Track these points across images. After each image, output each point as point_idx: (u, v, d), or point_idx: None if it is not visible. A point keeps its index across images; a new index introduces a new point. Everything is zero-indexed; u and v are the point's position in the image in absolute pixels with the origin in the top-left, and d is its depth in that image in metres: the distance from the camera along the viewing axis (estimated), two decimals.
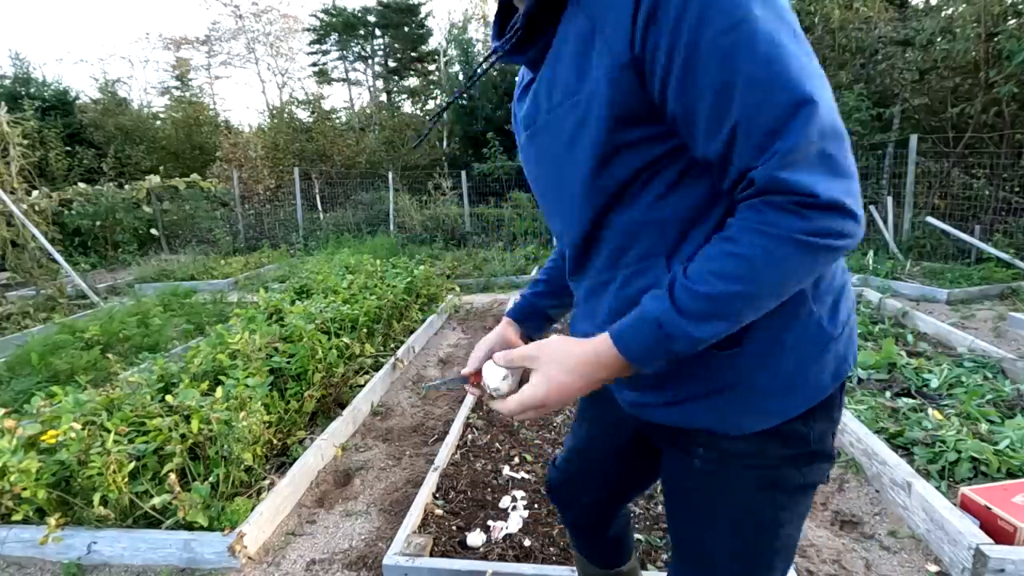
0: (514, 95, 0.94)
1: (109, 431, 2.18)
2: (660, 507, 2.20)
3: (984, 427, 2.44)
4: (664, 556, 1.93)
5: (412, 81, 21.58)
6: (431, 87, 20.27)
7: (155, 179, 10.80)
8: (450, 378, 0.94)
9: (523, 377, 0.83)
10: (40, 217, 6.86)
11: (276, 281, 6.96)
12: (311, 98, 15.88)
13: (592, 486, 1.15)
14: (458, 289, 6.21)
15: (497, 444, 2.77)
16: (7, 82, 15.72)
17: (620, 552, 1.30)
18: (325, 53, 21.83)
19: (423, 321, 4.84)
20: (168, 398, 2.42)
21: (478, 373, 0.90)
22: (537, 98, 0.79)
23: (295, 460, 2.54)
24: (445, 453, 2.60)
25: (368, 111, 19.65)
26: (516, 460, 2.62)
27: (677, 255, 0.73)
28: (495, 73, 13.71)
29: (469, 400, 3.12)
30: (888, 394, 2.96)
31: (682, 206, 0.72)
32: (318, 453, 2.65)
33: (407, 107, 20.98)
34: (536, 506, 2.24)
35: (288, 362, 3.03)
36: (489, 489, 2.38)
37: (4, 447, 2.08)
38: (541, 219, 9.25)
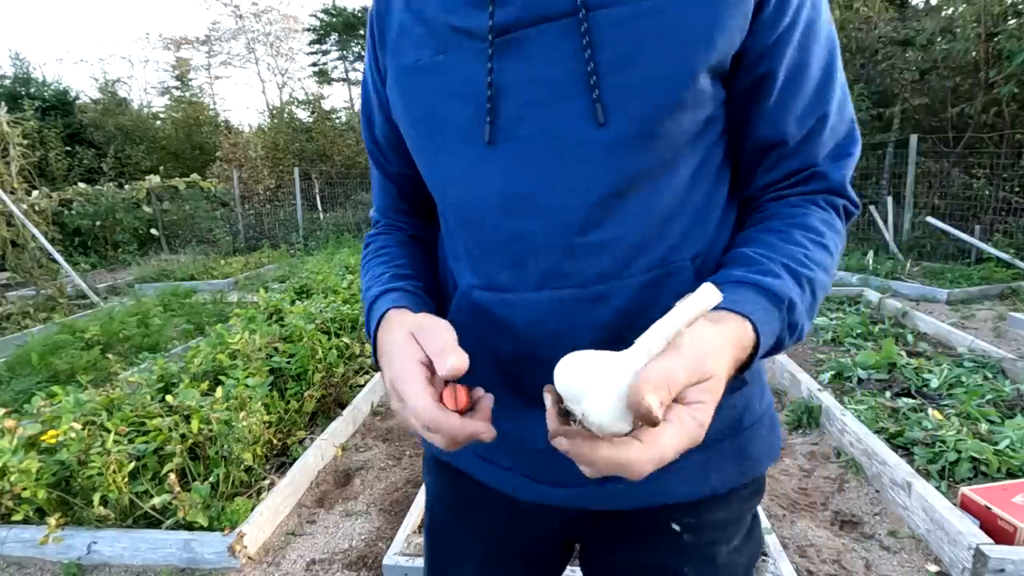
0: None
1: (109, 431, 2.18)
2: None
3: (984, 427, 2.44)
4: None
5: None
6: None
7: (155, 179, 10.79)
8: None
9: None
10: (40, 217, 6.86)
11: (276, 281, 6.96)
12: (311, 98, 15.89)
13: None
14: None
15: None
16: (7, 82, 15.71)
17: None
18: (325, 53, 21.84)
19: None
20: (168, 398, 2.42)
21: (453, 388, 0.50)
22: None
23: (295, 460, 2.54)
24: None
25: None
26: None
27: (700, 258, 0.59)
28: None
29: None
30: (888, 394, 2.96)
31: (717, 196, 0.61)
32: (318, 453, 2.65)
33: None
34: None
35: (288, 362, 3.03)
36: None
37: (4, 447, 2.08)
38: None
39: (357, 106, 21.68)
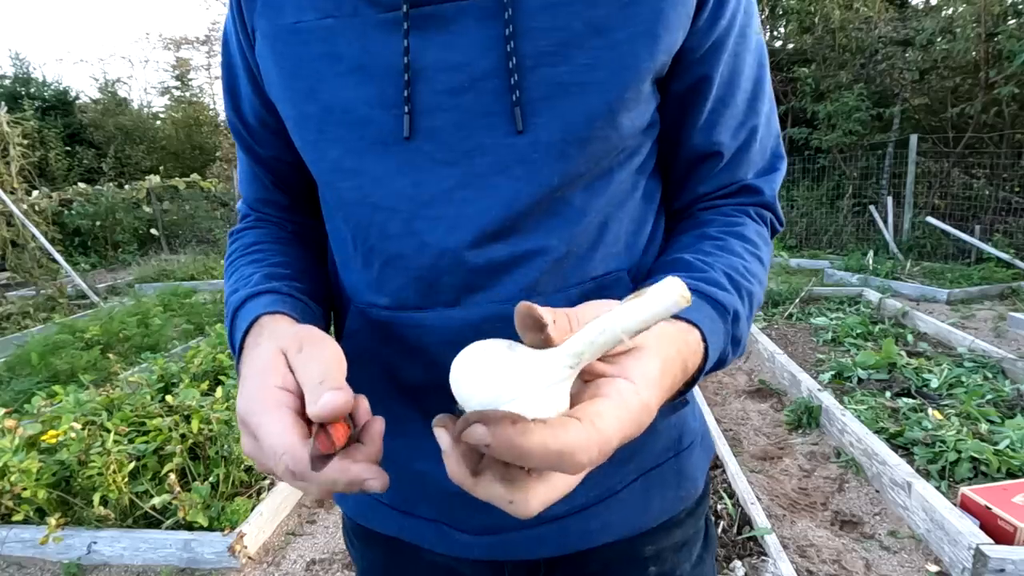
0: None
1: (109, 431, 2.18)
2: None
3: (984, 427, 2.44)
4: None
5: None
6: None
7: (155, 179, 10.79)
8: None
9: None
10: (40, 217, 6.86)
11: None
12: None
13: None
14: None
15: None
16: (7, 82, 15.71)
17: None
18: None
19: None
20: (168, 398, 2.42)
21: (325, 431, 0.35)
22: None
23: None
24: None
25: None
26: None
27: (634, 271, 0.54)
28: None
29: None
30: (888, 394, 2.96)
31: (650, 204, 0.57)
32: None
33: None
34: None
35: None
36: None
37: (5, 447, 2.09)
38: None
39: None
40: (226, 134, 15.00)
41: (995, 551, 1.71)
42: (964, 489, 1.99)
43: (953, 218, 6.94)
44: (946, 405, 2.77)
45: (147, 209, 10.88)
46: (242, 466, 2.33)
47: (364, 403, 0.39)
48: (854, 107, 7.53)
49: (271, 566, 2.03)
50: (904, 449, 2.44)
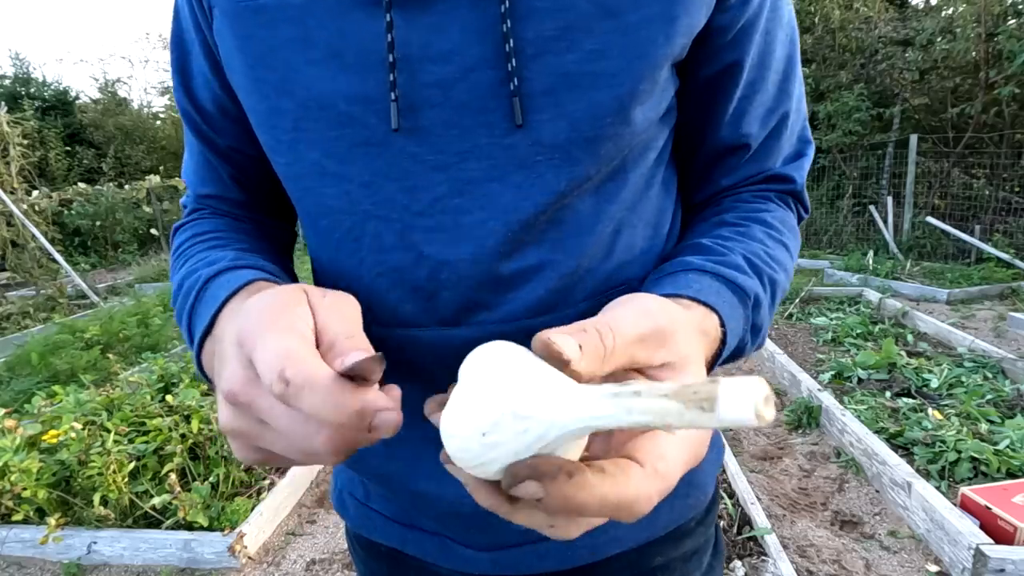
0: None
1: (109, 431, 2.18)
2: None
3: (984, 427, 2.44)
4: None
5: None
6: None
7: (155, 179, 10.79)
8: None
9: None
10: (40, 217, 6.86)
11: None
12: None
13: None
14: None
15: None
16: (7, 82, 15.71)
17: None
18: None
19: None
20: (168, 398, 2.42)
21: None
22: None
23: None
24: None
25: None
26: None
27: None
28: None
29: None
30: (888, 394, 2.96)
31: (667, 204, 0.52)
32: None
33: None
34: None
35: None
36: None
37: (5, 447, 2.09)
38: None
39: None
40: None
41: (995, 551, 1.71)
42: (964, 489, 1.99)
43: (953, 218, 6.94)
44: (946, 405, 2.77)
45: (147, 209, 10.88)
46: (242, 466, 2.33)
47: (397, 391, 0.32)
48: (854, 107, 7.53)
49: (271, 566, 2.03)
50: (904, 449, 2.44)
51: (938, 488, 2.10)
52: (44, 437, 2.16)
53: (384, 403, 0.28)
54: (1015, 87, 6.31)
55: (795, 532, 2.09)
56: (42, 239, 6.37)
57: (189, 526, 2.08)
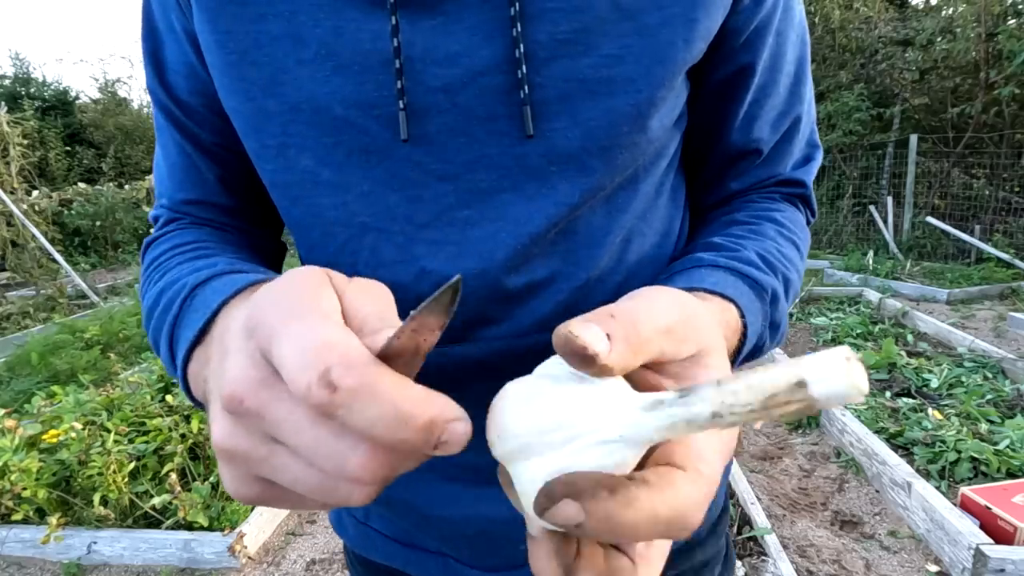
0: None
1: (109, 431, 2.18)
2: None
3: (984, 427, 2.44)
4: None
5: None
6: None
7: None
8: None
9: None
10: (40, 217, 6.87)
11: None
12: None
13: None
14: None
15: None
16: (7, 82, 15.72)
17: None
18: None
19: None
20: (168, 398, 2.42)
21: None
22: None
23: None
24: None
25: None
26: None
27: None
28: None
29: None
30: (888, 394, 2.96)
31: (676, 211, 0.51)
32: None
33: None
34: None
35: None
36: None
37: (5, 447, 2.09)
38: None
39: None
40: None
41: (995, 551, 1.71)
42: (964, 489, 1.99)
43: (953, 218, 6.94)
44: (946, 405, 2.77)
45: (147, 209, 10.87)
46: None
47: None
48: (854, 107, 7.53)
49: (271, 566, 2.04)
50: (904, 449, 2.44)
51: (938, 488, 2.10)
52: (44, 437, 2.16)
53: (456, 412, 0.22)
54: (1015, 87, 6.31)
55: (795, 532, 2.09)
56: (42, 239, 6.37)
57: (189, 526, 2.08)
